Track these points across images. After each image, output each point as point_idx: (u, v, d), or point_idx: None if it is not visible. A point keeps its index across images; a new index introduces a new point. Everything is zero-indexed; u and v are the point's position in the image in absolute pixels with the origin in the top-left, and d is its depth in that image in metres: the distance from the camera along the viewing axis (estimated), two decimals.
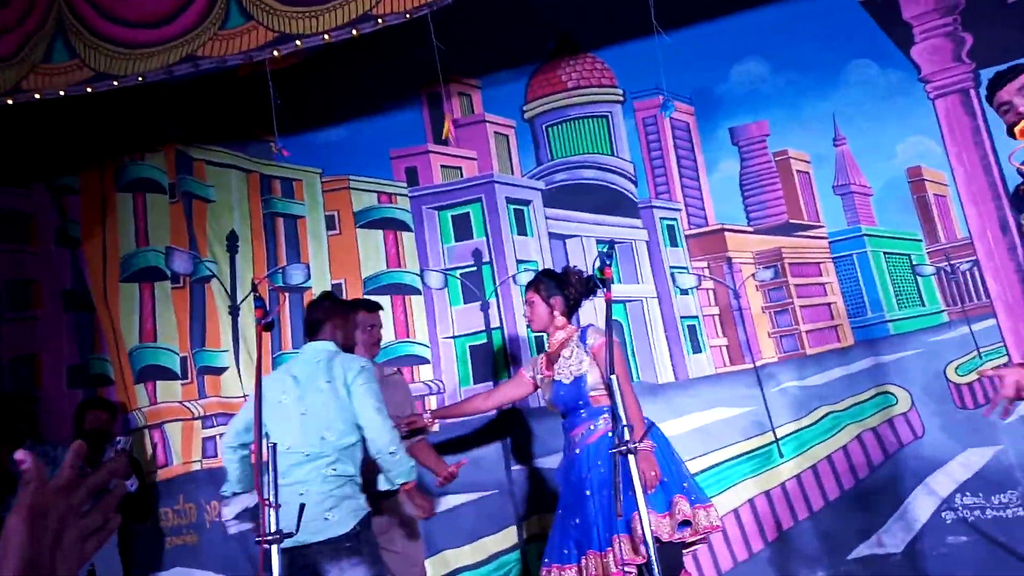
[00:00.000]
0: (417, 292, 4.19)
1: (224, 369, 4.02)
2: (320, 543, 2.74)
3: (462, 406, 3.46)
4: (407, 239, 4.32)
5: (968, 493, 3.51)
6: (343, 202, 4.39)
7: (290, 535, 2.49)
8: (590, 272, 3.01)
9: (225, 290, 4.13)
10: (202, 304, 4.13)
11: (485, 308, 4.14)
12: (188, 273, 4.18)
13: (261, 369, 2.71)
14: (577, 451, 2.84)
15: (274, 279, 4.18)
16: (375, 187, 4.39)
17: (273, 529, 2.47)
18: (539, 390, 3.16)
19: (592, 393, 2.94)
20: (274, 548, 2.46)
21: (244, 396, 3.93)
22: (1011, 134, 2.39)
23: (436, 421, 3.31)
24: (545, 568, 2.88)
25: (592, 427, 2.87)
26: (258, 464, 2.58)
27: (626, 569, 2.67)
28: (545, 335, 3.13)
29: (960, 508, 3.50)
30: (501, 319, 4.12)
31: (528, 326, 3.22)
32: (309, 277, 4.23)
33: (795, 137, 4.26)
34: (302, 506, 2.52)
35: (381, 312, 3.33)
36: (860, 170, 4.20)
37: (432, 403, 3.94)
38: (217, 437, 3.87)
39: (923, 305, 3.95)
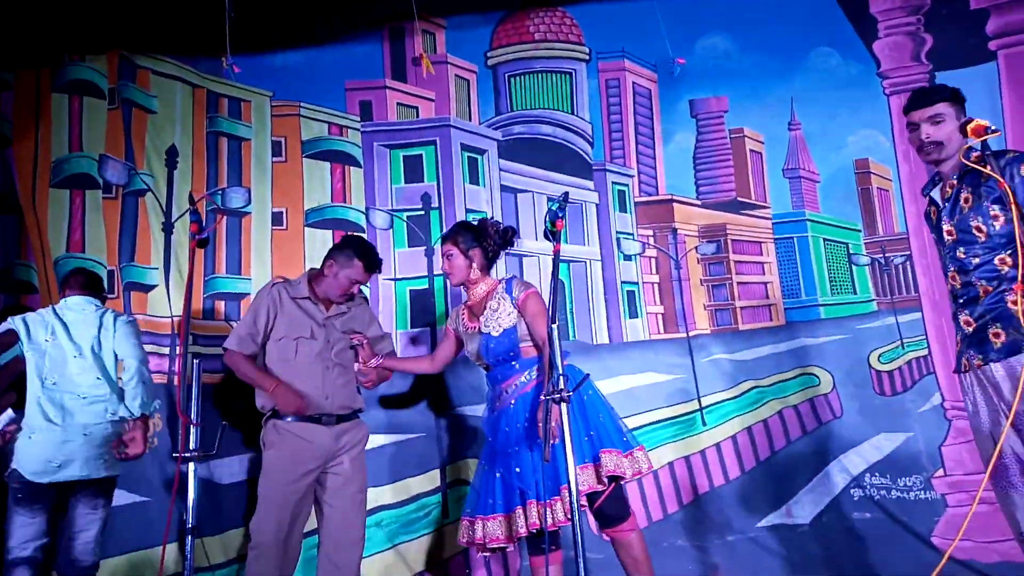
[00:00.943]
0: (360, 230, 4.10)
1: (153, 287, 3.87)
2: (87, 480, 2.86)
3: (409, 363, 3.42)
4: (355, 175, 4.21)
5: (877, 474, 3.68)
6: (292, 129, 4.24)
7: (210, 455, 2.47)
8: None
9: (160, 206, 3.96)
10: (134, 217, 3.95)
11: (429, 254, 4.09)
12: (122, 184, 3.99)
13: (192, 288, 2.63)
14: (512, 402, 2.84)
15: (213, 199, 4.03)
16: (326, 117, 4.26)
17: (193, 446, 2.46)
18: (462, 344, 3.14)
19: (521, 344, 2.93)
20: (191, 466, 2.48)
21: (172, 317, 3.80)
22: (962, 132, 2.46)
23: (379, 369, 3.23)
24: (467, 519, 2.89)
25: (527, 377, 2.87)
26: (181, 383, 2.52)
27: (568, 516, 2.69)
28: (463, 288, 3.09)
29: (868, 487, 3.67)
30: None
31: (446, 279, 3.17)
32: (249, 202, 4.10)
33: (752, 117, 4.31)
34: (223, 427, 2.50)
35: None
36: (811, 156, 4.28)
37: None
38: None
39: (854, 293, 4.08)
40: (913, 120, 2.61)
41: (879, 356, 3.89)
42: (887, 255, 4.09)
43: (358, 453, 3.12)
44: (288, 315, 3.11)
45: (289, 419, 3.01)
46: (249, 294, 3.94)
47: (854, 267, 4.11)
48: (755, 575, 3.49)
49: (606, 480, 2.71)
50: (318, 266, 3.22)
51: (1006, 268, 2.45)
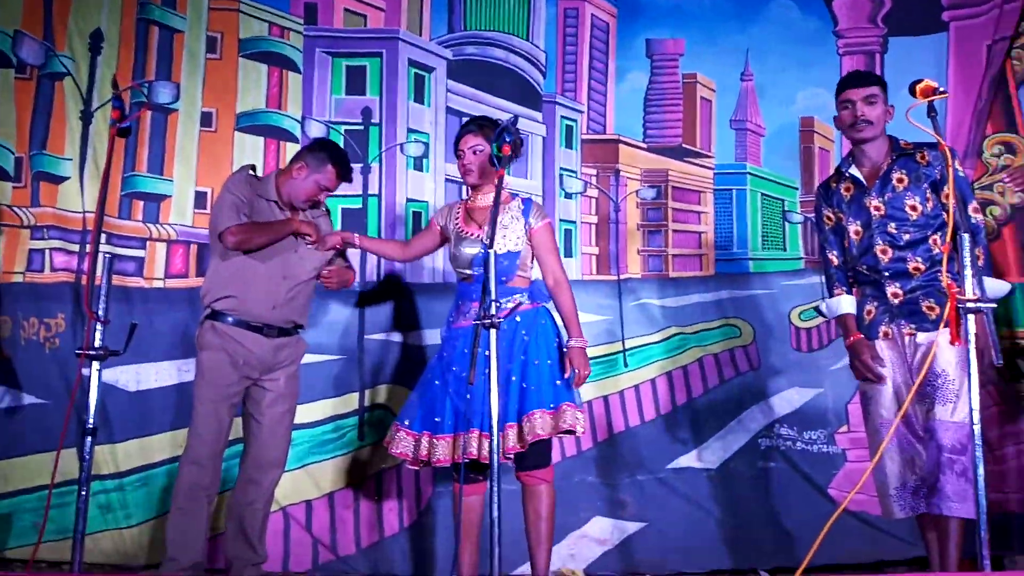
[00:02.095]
0: (294, 140, 3.93)
1: (64, 179, 3.65)
2: None
3: (384, 246, 3.34)
4: (293, 80, 4.01)
5: (785, 425, 3.82)
6: (229, 25, 3.99)
7: (116, 353, 2.36)
8: (458, 159, 2.89)
9: (80, 92, 3.71)
10: (49, 102, 3.70)
11: (366, 171, 3.95)
12: (37, 65, 3.71)
13: (108, 179, 2.48)
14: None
15: (139, 91, 3.80)
16: (269, 17, 4.02)
17: (97, 346, 2.33)
18: (445, 242, 3.01)
19: (518, 272, 2.85)
20: (95, 365, 2.34)
21: (84, 212, 3.61)
22: (911, 92, 2.50)
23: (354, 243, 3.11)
24: (405, 430, 2.81)
25: (505, 304, 2.74)
26: (90, 280, 2.39)
27: (507, 455, 2.69)
28: (469, 189, 2.91)
29: (775, 437, 3.80)
30: (381, 187, 3.95)
31: (463, 176, 2.92)
32: (178, 98, 3.87)
33: (706, 63, 4.26)
34: (133, 326, 2.39)
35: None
36: (759, 109, 4.27)
37: None
38: (46, 251, 3.56)
39: (784, 250, 4.15)
40: (848, 98, 2.82)
41: (800, 313, 3.99)
42: None
43: (295, 371, 3.03)
44: (258, 213, 2.94)
45: (229, 320, 2.88)
46: (170, 196, 3.76)
47: (787, 224, 4.16)
48: (660, 514, 3.61)
49: (559, 432, 2.70)
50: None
51: (937, 250, 2.72)
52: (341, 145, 3.34)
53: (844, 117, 2.83)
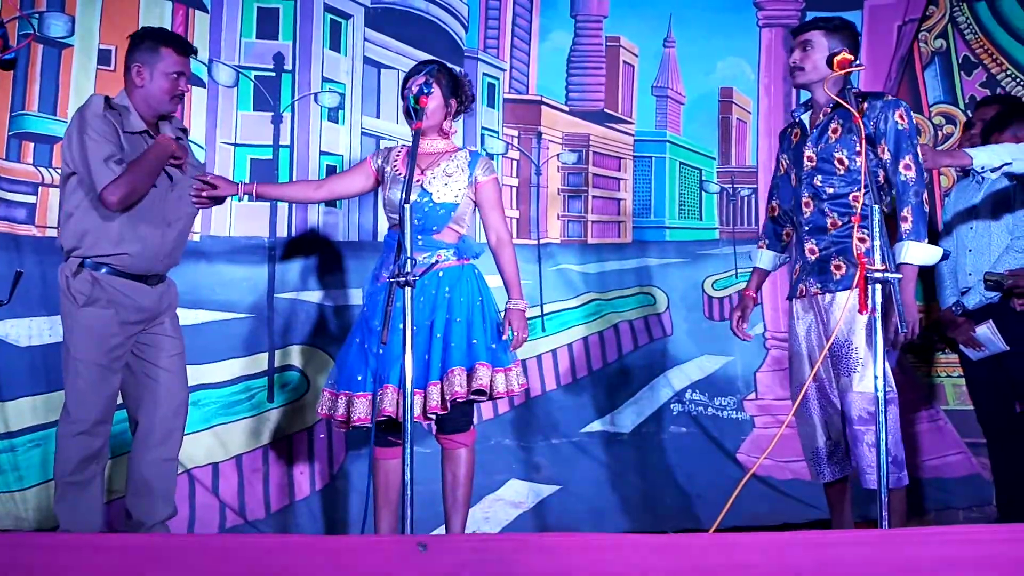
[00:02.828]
0: (200, 84, 3.68)
1: None
2: None
3: (287, 189, 3.10)
4: (200, 20, 3.75)
5: (697, 391, 3.92)
6: None
7: (0, 303, 2.17)
8: (404, 100, 2.75)
9: None
10: None
11: (277, 121, 3.76)
12: None
13: None
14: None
15: (29, 22, 3.47)
16: None
17: None
18: (379, 185, 2.85)
19: (451, 225, 2.73)
20: None
21: None
22: (828, 65, 2.51)
23: (248, 196, 2.89)
24: (331, 392, 2.71)
25: (435, 258, 2.66)
26: None
27: (428, 415, 2.62)
28: (415, 134, 2.61)
29: (687, 403, 3.90)
30: (293, 137, 3.76)
31: (411, 115, 2.60)
32: (72, 33, 3.55)
33: (630, 26, 4.25)
34: (18, 274, 2.19)
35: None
36: (680, 77, 4.29)
37: None
38: None
39: (700, 219, 4.22)
40: (790, 45, 2.77)
41: (713, 283, 4.08)
42: (736, 186, 4.24)
43: (175, 312, 2.83)
44: (128, 155, 2.62)
45: (104, 271, 2.60)
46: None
47: (704, 194, 4.23)
48: (574, 477, 3.66)
49: (472, 392, 2.62)
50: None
51: (858, 206, 2.48)
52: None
53: (791, 60, 2.72)
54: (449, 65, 2.94)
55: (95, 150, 2.57)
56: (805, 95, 2.84)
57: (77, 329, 2.62)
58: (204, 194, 2.79)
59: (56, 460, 2.64)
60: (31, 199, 3.38)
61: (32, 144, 3.44)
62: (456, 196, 2.74)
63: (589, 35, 4.25)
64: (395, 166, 2.82)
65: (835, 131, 2.63)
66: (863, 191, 2.34)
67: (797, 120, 2.78)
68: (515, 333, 2.74)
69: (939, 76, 4.19)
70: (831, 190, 2.62)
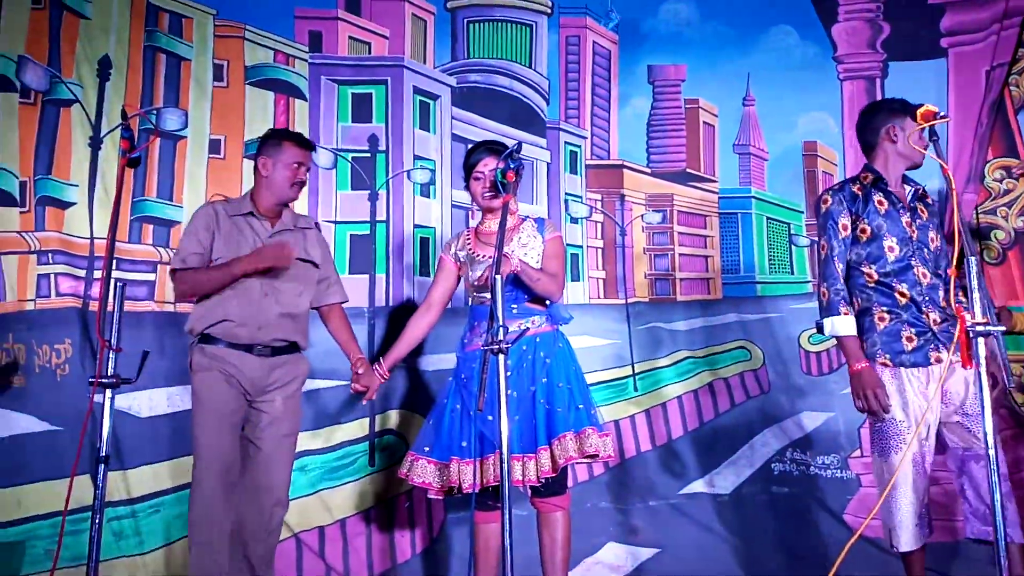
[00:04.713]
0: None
1: (71, 204, 3.63)
2: None
3: (410, 334, 3.04)
4: (300, 108, 4.02)
5: (798, 450, 3.80)
6: (235, 52, 4.01)
7: (128, 381, 2.32)
8: (482, 175, 2.88)
9: (89, 119, 3.70)
10: (54, 128, 3.67)
11: (373, 199, 3.96)
12: (42, 90, 3.69)
13: (119, 208, 2.47)
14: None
15: (147, 119, 3.79)
16: (273, 44, 4.04)
17: (110, 374, 2.30)
18: (461, 272, 2.97)
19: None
20: (107, 393, 2.30)
21: (92, 238, 3.59)
22: (911, 115, 2.56)
23: (389, 369, 3.02)
24: (431, 460, 2.76)
25: (522, 326, 2.73)
26: (101, 307, 2.37)
27: (540, 480, 2.64)
28: (479, 213, 2.90)
29: (788, 462, 3.78)
30: (388, 213, 3.95)
31: (481, 197, 2.85)
32: (186, 125, 3.87)
33: (708, 88, 4.32)
34: (145, 354, 2.36)
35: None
36: (761, 134, 4.31)
37: None
38: (52, 276, 3.53)
39: (792, 273, 4.17)
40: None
41: (809, 337, 3.99)
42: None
43: (293, 392, 2.94)
44: (226, 234, 2.88)
45: (219, 344, 2.82)
46: (180, 222, 3.74)
47: (794, 247, 4.19)
48: (673, 541, 3.57)
49: (584, 456, 2.67)
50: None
51: (951, 275, 2.63)
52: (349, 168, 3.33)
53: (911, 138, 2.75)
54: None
55: (186, 239, 2.91)
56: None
57: (194, 396, 2.84)
58: (362, 390, 2.98)
59: (189, 525, 2.76)
60: (151, 277, 3.64)
61: (151, 227, 3.72)
62: (537, 262, 2.85)
63: (668, 99, 4.34)
64: (470, 249, 2.94)
65: (923, 211, 2.79)
66: (957, 246, 2.32)
67: (883, 187, 2.79)
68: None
69: None
70: (932, 265, 2.74)
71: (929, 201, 2.87)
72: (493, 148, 2.90)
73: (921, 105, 2.47)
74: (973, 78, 4.08)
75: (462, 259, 2.95)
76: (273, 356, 2.88)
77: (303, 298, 2.98)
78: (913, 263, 2.72)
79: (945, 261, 2.76)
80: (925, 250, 2.73)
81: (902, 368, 2.70)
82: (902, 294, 2.71)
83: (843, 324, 2.72)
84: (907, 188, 2.82)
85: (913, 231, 2.74)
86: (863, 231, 2.77)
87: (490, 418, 2.62)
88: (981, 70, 4.07)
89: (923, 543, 2.69)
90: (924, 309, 2.69)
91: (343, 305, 3.15)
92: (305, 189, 3.84)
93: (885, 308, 2.73)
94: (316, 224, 3.21)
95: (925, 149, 2.58)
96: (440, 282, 3.02)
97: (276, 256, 2.83)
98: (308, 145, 3.01)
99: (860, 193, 2.80)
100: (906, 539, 2.67)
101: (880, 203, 2.76)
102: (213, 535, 2.74)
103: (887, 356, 2.71)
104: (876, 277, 2.74)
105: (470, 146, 3.09)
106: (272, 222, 2.98)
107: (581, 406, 2.72)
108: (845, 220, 2.78)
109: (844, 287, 2.76)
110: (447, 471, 2.73)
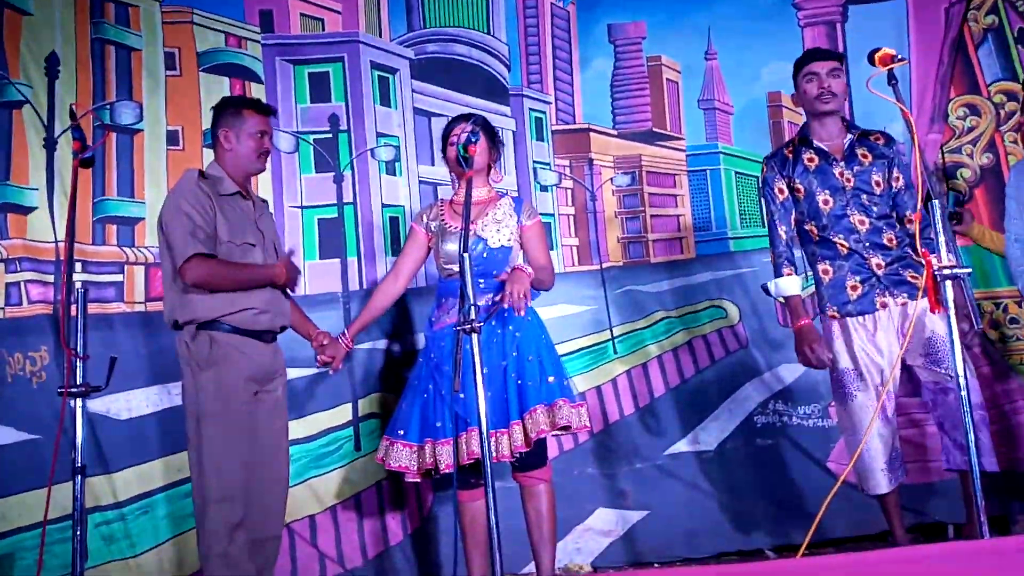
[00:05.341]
0: None
1: (32, 209, 3.55)
2: None
3: (372, 309, 3.04)
4: (256, 91, 3.93)
5: (780, 401, 3.85)
6: (185, 39, 3.91)
7: (98, 388, 2.29)
8: (452, 147, 2.85)
9: (40, 119, 3.61)
10: (6, 131, 3.57)
11: (339, 180, 3.90)
12: None
13: (75, 210, 2.42)
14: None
15: (100, 115, 3.70)
16: (223, 27, 3.93)
17: (79, 382, 2.28)
18: (431, 243, 2.95)
19: (507, 268, 2.83)
20: (78, 402, 2.28)
21: (56, 242, 3.52)
22: (870, 60, 2.55)
23: (352, 338, 3.03)
24: (406, 443, 2.77)
25: (499, 297, 2.73)
26: (65, 314, 2.33)
27: (515, 454, 2.67)
28: (458, 182, 2.82)
29: (770, 414, 3.83)
30: (355, 194, 3.89)
31: (462, 164, 2.64)
32: (141, 118, 3.78)
33: (670, 44, 4.27)
34: (113, 360, 2.32)
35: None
36: (725, 87, 4.28)
37: None
38: (21, 283, 3.47)
39: (763, 227, 4.15)
40: (813, 71, 2.88)
41: None
42: None
43: (285, 379, 2.88)
44: (228, 217, 2.69)
45: (227, 328, 2.62)
46: (144, 219, 3.68)
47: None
48: (661, 500, 3.62)
49: (556, 428, 2.70)
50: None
51: (909, 226, 2.80)
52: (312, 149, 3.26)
53: (808, 90, 2.88)
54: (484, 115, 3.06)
55: (187, 221, 2.64)
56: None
57: (200, 393, 2.61)
58: (328, 360, 2.94)
59: (203, 534, 2.59)
60: (118, 278, 3.59)
61: (115, 226, 3.66)
62: (510, 240, 2.86)
63: (630, 58, 4.29)
64: (443, 220, 2.92)
65: (864, 156, 2.86)
66: (921, 190, 2.35)
67: (814, 144, 2.90)
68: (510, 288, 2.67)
69: (994, 53, 4.06)
70: (876, 208, 2.82)
71: (874, 141, 2.93)
72: (478, 118, 2.86)
73: (879, 49, 2.49)
74: (933, 16, 4.07)
75: (433, 230, 2.93)
76: (273, 342, 2.81)
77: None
78: (848, 211, 2.82)
79: (912, 200, 2.82)
80: (864, 196, 2.82)
81: (848, 318, 2.82)
82: (842, 244, 2.83)
83: (785, 284, 2.90)
84: (848, 137, 2.90)
85: (848, 180, 2.83)
86: (798, 190, 2.91)
87: (461, 395, 2.62)
88: (940, 8, 4.06)
89: (895, 485, 2.80)
90: (866, 255, 2.80)
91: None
92: (268, 173, 3.82)
93: (828, 260, 2.88)
94: (265, 201, 3.12)
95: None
96: (409, 252, 3.01)
97: (292, 281, 2.81)
98: (269, 110, 2.89)
99: (791, 155, 2.94)
100: (874, 482, 2.81)
101: (810, 160, 2.90)
102: (238, 544, 2.58)
103: (834, 308, 2.84)
104: (817, 232, 2.88)
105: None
106: (252, 201, 2.89)
107: (552, 378, 2.74)
108: (780, 184, 2.94)
109: (787, 248, 2.93)
110: (423, 453, 2.74)
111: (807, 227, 2.92)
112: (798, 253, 3.04)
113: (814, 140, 2.90)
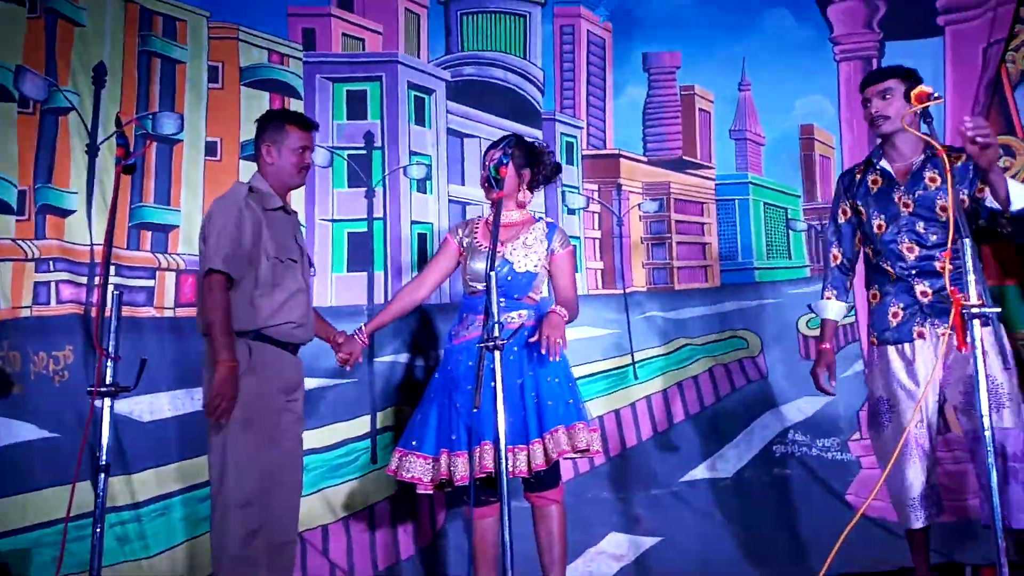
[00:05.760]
0: None
1: (71, 212, 3.66)
2: None
3: (395, 306, 3.05)
4: (295, 107, 4.02)
5: (799, 433, 3.81)
6: (230, 54, 4.02)
7: (126, 389, 2.31)
8: (486, 167, 2.88)
9: (85, 126, 3.73)
10: (53, 136, 3.70)
11: (370, 196, 3.97)
12: (40, 99, 3.72)
13: (115, 215, 2.49)
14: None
15: (143, 124, 3.82)
16: (267, 44, 4.04)
17: (108, 382, 2.30)
18: (461, 257, 2.97)
19: (531, 293, 2.87)
20: (106, 402, 2.30)
21: (92, 244, 3.63)
22: (906, 99, 2.55)
23: (369, 335, 3.05)
24: (420, 454, 2.77)
25: (513, 317, 2.78)
26: (100, 315, 2.39)
27: (533, 473, 2.67)
28: (493, 204, 2.79)
29: (789, 444, 3.80)
30: (385, 210, 3.97)
31: (492, 185, 2.76)
32: (182, 129, 3.89)
33: (704, 74, 4.30)
34: (143, 362, 2.35)
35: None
36: (758, 118, 4.29)
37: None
38: (52, 283, 3.57)
39: (789, 258, 4.16)
40: (865, 96, 2.76)
41: (807, 322, 3.99)
42: (823, 222, 4.15)
43: (304, 390, 2.91)
44: (274, 233, 2.72)
45: (266, 339, 2.67)
46: (178, 226, 3.78)
47: (791, 232, 4.18)
48: (676, 527, 3.59)
49: (576, 451, 2.70)
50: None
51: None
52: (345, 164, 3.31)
53: (865, 116, 2.79)
54: (529, 139, 3.09)
55: (226, 233, 2.65)
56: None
57: (240, 400, 2.60)
58: (346, 357, 2.96)
59: (221, 537, 2.60)
60: (150, 283, 3.68)
61: (150, 233, 3.76)
62: (536, 266, 2.87)
63: (663, 86, 4.32)
64: (475, 238, 2.96)
65: (933, 180, 2.70)
66: (951, 228, 2.31)
67: (878, 167, 2.79)
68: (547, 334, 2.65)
69: None
70: (934, 237, 2.68)
71: (954, 161, 2.67)
72: (506, 142, 2.89)
73: (914, 86, 2.49)
74: (970, 56, 4.05)
75: (465, 246, 2.96)
76: (296, 354, 2.84)
77: None
78: (899, 238, 2.71)
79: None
80: (921, 223, 2.68)
81: (886, 346, 2.74)
82: (890, 271, 2.74)
83: (822, 307, 2.87)
84: (919, 158, 2.73)
85: (906, 205, 2.70)
86: (859, 213, 2.83)
87: (474, 409, 2.63)
88: (978, 48, 4.04)
89: (926, 523, 2.69)
90: (913, 283, 2.70)
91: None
92: (302, 188, 3.90)
93: (877, 286, 2.80)
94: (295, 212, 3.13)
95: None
96: (438, 261, 3.03)
97: (223, 409, 2.58)
98: (311, 125, 2.92)
99: (859, 176, 2.85)
100: (903, 516, 2.72)
101: (874, 182, 2.80)
102: (257, 550, 2.59)
103: (875, 335, 2.79)
104: (872, 256, 2.80)
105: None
106: (292, 215, 2.93)
107: (571, 400, 2.75)
108: (845, 205, 2.86)
109: (837, 271, 2.88)
110: (437, 464, 2.75)
111: (866, 250, 2.84)
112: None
113: (882, 161, 2.77)
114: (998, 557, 2.07)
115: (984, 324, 2.38)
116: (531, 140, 3.04)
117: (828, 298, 2.86)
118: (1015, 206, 2.51)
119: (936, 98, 2.43)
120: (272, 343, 2.71)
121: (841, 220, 2.87)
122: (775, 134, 4.26)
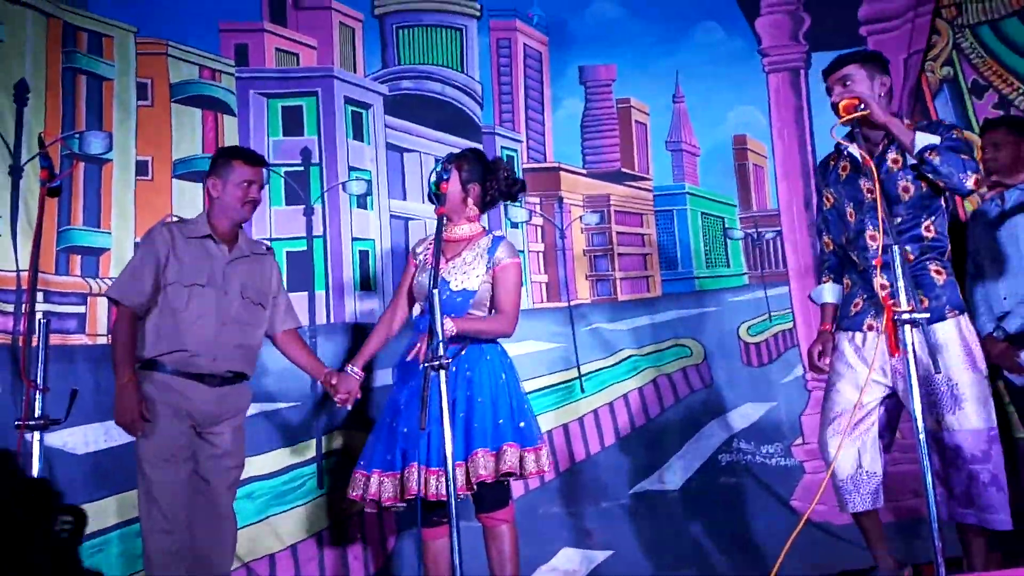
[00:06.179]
0: None
1: None
2: None
3: (377, 335, 3.00)
4: (228, 123, 3.94)
5: (743, 440, 3.88)
6: (159, 70, 3.91)
7: (56, 422, 2.27)
8: (427, 184, 2.84)
9: (7, 147, 3.58)
10: None
11: (309, 213, 3.90)
12: None
13: (40, 239, 2.40)
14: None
15: (69, 143, 3.68)
16: (198, 59, 3.94)
17: (37, 415, 2.24)
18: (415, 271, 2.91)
19: (472, 311, 2.78)
20: (36, 435, 2.25)
21: (19, 271, 3.47)
22: (835, 110, 2.60)
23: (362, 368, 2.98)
24: (363, 472, 2.74)
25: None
26: (26, 345, 2.30)
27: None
28: (442, 219, 2.67)
29: (735, 452, 3.87)
30: (325, 227, 3.90)
31: (432, 200, 2.69)
32: (111, 148, 3.76)
33: (639, 87, 4.36)
34: (74, 392, 2.30)
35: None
36: (692, 130, 4.37)
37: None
38: None
39: (728, 267, 4.24)
40: (828, 85, 2.72)
41: (748, 328, 4.08)
42: (759, 230, 4.27)
43: (240, 423, 2.90)
44: (182, 258, 2.79)
45: (168, 370, 2.74)
46: (109, 249, 3.65)
47: (729, 241, 4.27)
48: (626, 540, 3.61)
49: (500, 475, 2.63)
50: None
51: (930, 235, 2.58)
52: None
53: (832, 101, 2.66)
54: (485, 154, 3.03)
55: (130, 263, 2.85)
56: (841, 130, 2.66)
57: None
58: (345, 397, 2.93)
59: (144, 561, 2.69)
60: (81, 309, 3.54)
61: (79, 257, 3.62)
62: (474, 283, 2.79)
63: (600, 99, 4.37)
64: (426, 254, 2.92)
65: (895, 161, 2.59)
66: (882, 232, 2.35)
67: (845, 153, 2.69)
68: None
69: (950, 103, 4.20)
70: (898, 220, 2.55)
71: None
72: (459, 156, 2.88)
73: (843, 98, 2.54)
74: (892, 66, 4.15)
75: (419, 263, 2.92)
76: (222, 386, 2.83)
77: (260, 331, 2.98)
78: (865, 226, 2.62)
79: (932, 207, 2.60)
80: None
81: (840, 332, 2.75)
82: (856, 260, 2.69)
83: (820, 292, 2.86)
84: (884, 143, 2.63)
85: (870, 192, 2.56)
86: (831, 200, 2.78)
87: (404, 430, 2.62)
88: (899, 57, 4.18)
89: (859, 509, 2.66)
90: (872, 275, 2.60)
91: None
92: None
93: (848, 275, 2.77)
94: (270, 249, 3.14)
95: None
96: (403, 286, 3.01)
97: (130, 424, 2.72)
98: (258, 161, 2.94)
99: (832, 163, 2.79)
100: (839, 501, 2.71)
101: (843, 169, 2.72)
102: (176, 572, 2.66)
103: (840, 321, 2.77)
104: (845, 244, 2.75)
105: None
106: (229, 246, 2.92)
107: (502, 421, 2.67)
108: (827, 192, 2.80)
109: (831, 256, 2.85)
110: (368, 483, 2.71)
111: (844, 237, 2.75)
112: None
113: (849, 147, 2.61)
114: (935, 556, 2.13)
115: (929, 324, 2.31)
116: (494, 157, 3.01)
117: (825, 282, 2.84)
118: (918, 146, 2.47)
119: (863, 110, 2.50)
120: (175, 373, 2.76)
121: (826, 207, 2.80)
122: (709, 145, 4.35)
